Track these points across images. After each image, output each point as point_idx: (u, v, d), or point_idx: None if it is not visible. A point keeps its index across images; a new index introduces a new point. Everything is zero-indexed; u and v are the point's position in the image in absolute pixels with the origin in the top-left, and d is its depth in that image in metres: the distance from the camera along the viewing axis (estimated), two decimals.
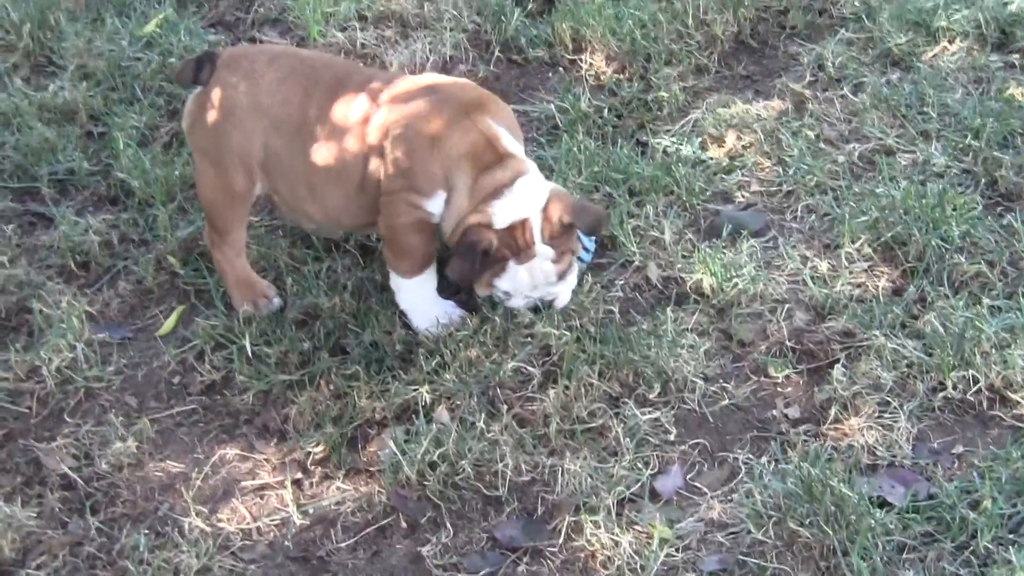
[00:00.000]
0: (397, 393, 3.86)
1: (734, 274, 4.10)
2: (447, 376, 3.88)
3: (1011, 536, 3.37)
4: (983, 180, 4.45)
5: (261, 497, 3.73)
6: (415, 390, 3.85)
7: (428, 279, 4.07)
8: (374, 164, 3.94)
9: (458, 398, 3.84)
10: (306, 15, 5.38)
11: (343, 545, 3.58)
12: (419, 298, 4.08)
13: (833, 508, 3.39)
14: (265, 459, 3.82)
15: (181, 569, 3.50)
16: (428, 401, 3.84)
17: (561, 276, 4.00)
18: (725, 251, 4.22)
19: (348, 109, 4.00)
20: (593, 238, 4.21)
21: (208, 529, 3.61)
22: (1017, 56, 4.97)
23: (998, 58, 4.97)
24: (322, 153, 4.00)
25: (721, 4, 5.21)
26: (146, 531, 3.62)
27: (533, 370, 3.90)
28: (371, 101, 4.00)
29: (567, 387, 3.82)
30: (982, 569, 3.28)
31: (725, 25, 5.17)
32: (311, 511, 3.67)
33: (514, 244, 3.91)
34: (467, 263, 3.89)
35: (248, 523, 3.66)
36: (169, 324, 4.27)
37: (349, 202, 4.05)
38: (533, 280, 3.97)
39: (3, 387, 4.05)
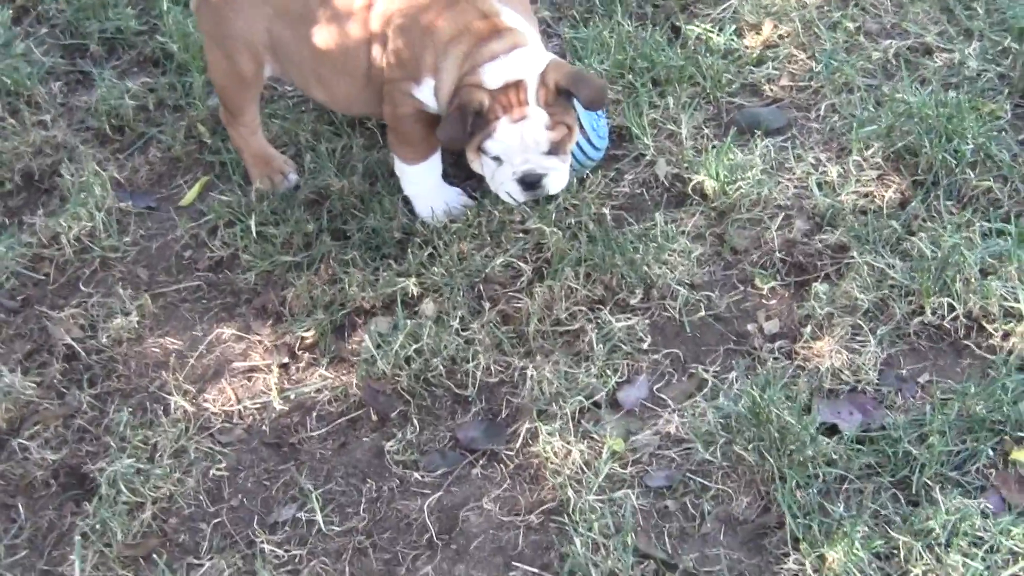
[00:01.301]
0: (387, 283, 3.97)
1: (738, 176, 4.10)
2: (436, 269, 3.98)
3: (953, 474, 3.40)
4: (1020, 87, 4.33)
5: (249, 379, 3.91)
6: (404, 281, 3.95)
7: (432, 167, 4.16)
8: (377, 52, 4.00)
9: (445, 291, 3.94)
10: None
11: (315, 434, 3.75)
12: (422, 185, 4.17)
13: (777, 435, 3.45)
14: (259, 340, 3.99)
15: (158, 448, 3.71)
16: (416, 293, 3.95)
17: (553, 149, 3.95)
18: (736, 150, 4.20)
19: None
20: (605, 135, 4.22)
21: (191, 409, 3.81)
22: None
23: None
24: (327, 41, 4.06)
25: None
26: (132, 408, 3.82)
27: (524, 266, 3.99)
28: None
29: (551, 287, 3.89)
30: (910, 507, 3.33)
31: None
32: (292, 397, 3.84)
33: (507, 103, 3.90)
34: (457, 123, 3.90)
35: (232, 405, 3.84)
36: (191, 195, 4.44)
37: (357, 91, 4.13)
38: (524, 143, 3.91)
39: (25, 252, 4.26)
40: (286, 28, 4.10)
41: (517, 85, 3.87)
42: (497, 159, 3.96)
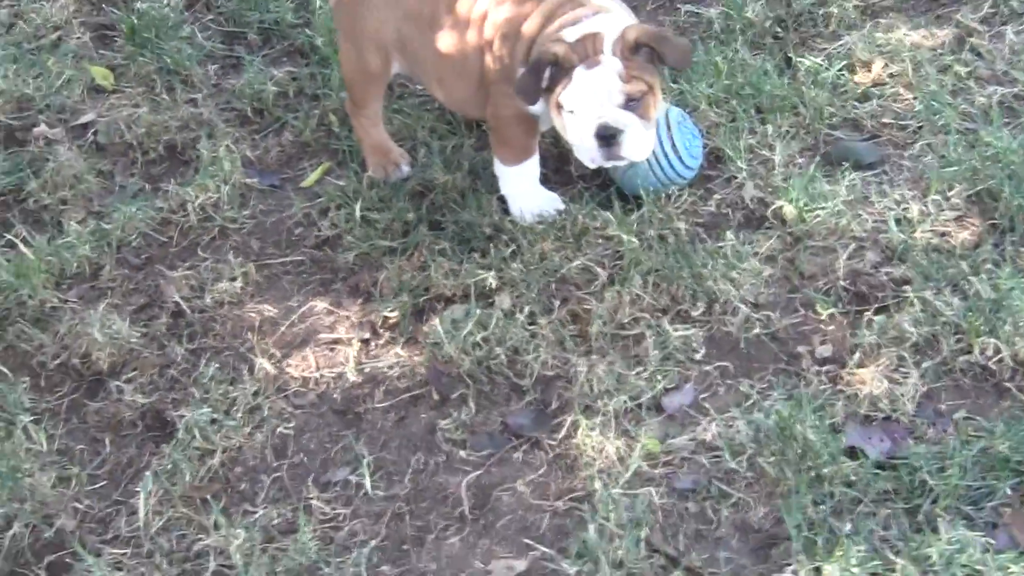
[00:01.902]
0: (468, 274, 4.18)
1: (819, 205, 4.20)
2: (516, 265, 4.17)
3: (967, 508, 3.46)
4: None
5: (331, 350, 4.15)
6: (484, 273, 4.16)
7: (529, 169, 4.34)
8: (488, 58, 4.22)
9: (521, 287, 4.13)
10: None
11: (379, 406, 3.97)
12: (518, 186, 4.36)
13: (799, 451, 3.55)
14: (347, 316, 4.22)
15: (237, 403, 3.97)
16: (494, 286, 4.15)
17: (630, 103, 4.00)
18: (823, 180, 4.29)
19: (472, 4, 4.25)
20: (699, 155, 4.35)
21: (273, 372, 4.06)
22: None
23: None
24: (447, 46, 4.28)
25: None
26: (220, 365, 4.10)
27: (600, 271, 4.15)
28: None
29: (619, 292, 4.05)
30: (913, 533, 3.39)
31: None
32: (366, 370, 4.06)
33: (583, 52, 3.98)
34: (533, 76, 4.00)
35: (310, 372, 4.08)
36: (313, 177, 4.72)
37: (471, 93, 4.34)
38: (597, 92, 3.97)
39: (155, 216, 4.58)
40: (414, 30, 4.33)
41: (594, 36, 3.99)
42: (573, 113, 4.03)
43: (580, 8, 4.08)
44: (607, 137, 4.01)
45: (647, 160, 4.22)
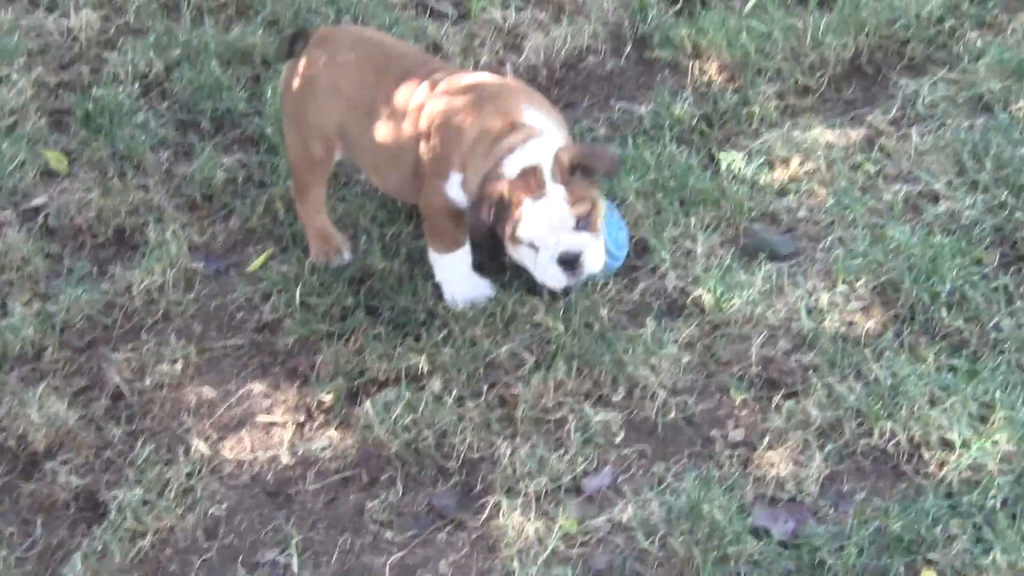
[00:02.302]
0: (402, 357, 4.35)
1: (736, 294, 4.39)
2: (448, 350, 4.35)
3: None
4: (1018, 239, 4.55)
5: (267, 433, 4.30)
6: (417, 358, 4.33)
7: (460, 258, 4.52)
8: (423, 148, 4.40)
9: (452, 371, 4.30)
10: None
11: (311, 488, 4.12)
12: (451, 273, 4.54)
13: (707, 531, 3.73)
14: (283, 399, 4.37)
15: (170, 484, 4.11)
16: (426, 370, 4.32)
17: (581, 224, 4.15)
18: (740, 271, 4.49)
19: (409, 96, 4.44)
20: (624, 245, 4.55)
21: (209, 453, 4.21)
22: None
23: None
24: (384, 135, 4.48)
25: (844, 27, 5.38)
26: (155, 446, 4.24)
27: (527, 356, 4.33)
28: (429, 91, 4.43)
29: (545, 377, 4.23)
30: None
31: (841, 49, 5.34)
32: (299, 452, 4.21)
33: (527, 187, 4.14)
34: (478, 212, 4.18)
35: (246, 454, 4.23)
36: (258, 262, 4.87)
37: (407, 182, 4.53)
38: (550, 221, 4.12)
39: (100, 299, 4.72)
40: (354, 118, 4.52)
41: (534, 169, 4.17)
42: (532, 246, 4.21)
43: (514, 134, 4.24)
44: (570, 261, 4.20)
45: None
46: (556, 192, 4.13)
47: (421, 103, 4.40)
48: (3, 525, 4.06)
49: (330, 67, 4.56)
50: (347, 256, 4.74)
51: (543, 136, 4.23)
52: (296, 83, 4.60)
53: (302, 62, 4.61)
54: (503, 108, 4.29)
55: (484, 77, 4.59)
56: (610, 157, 4.29)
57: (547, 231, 4.15)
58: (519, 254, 4.28)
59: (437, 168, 4.34)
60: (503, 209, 4.17)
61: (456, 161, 4.30)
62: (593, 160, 4.19)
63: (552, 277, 4.24)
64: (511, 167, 4.18)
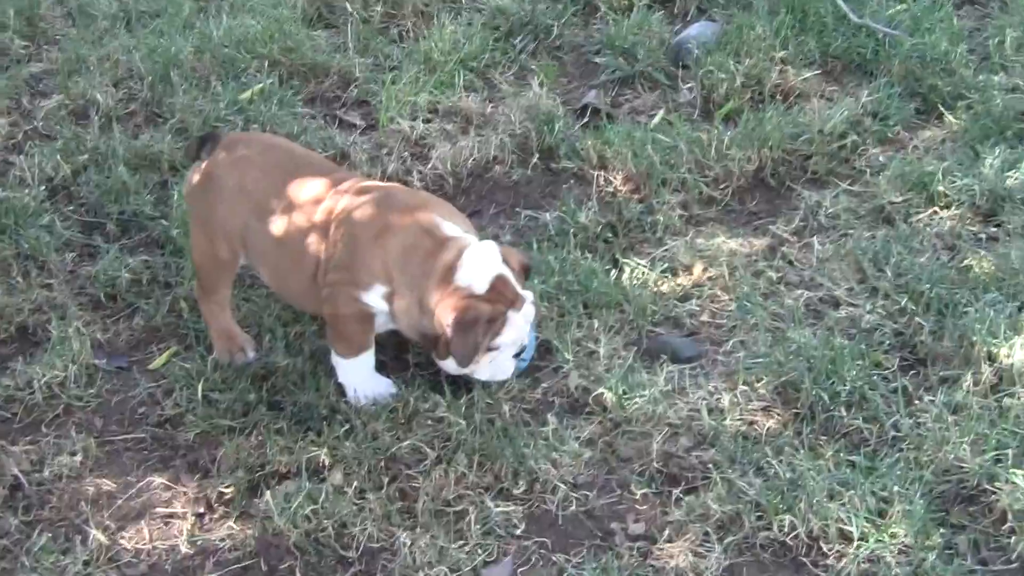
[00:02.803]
0: (303, 451, 4.32)
1: (637, 394, 4.42)
2: (349, 444, 4.33)
3: None
4: (917, 344, 4.63)
5: (166, 524, 4.24)
6: (318, 451, 4.31)
7: (366, 360, 4.52)
8: (327, 254, 4.41)
9: (353, 464, 4.28)
10: (383, 103, 5.92)
11: None
12: (356, 376, 4.53)
13: None
14: (184, 491, 4.33)
15: (66, 571, 4.05)
16: (327, 463, 4.30)
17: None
18: (643, 372, 4.52)
19: (315, 202, 4.48)
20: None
21: (106, 543, 4.14)
22: (997, 229, 5.11)
23: (980, 229, 5.11)
24: (287, 239, 4.49)
25: (749, 140, 5.49)
26: (52, 535, 4.17)
27: (429, 450, 4.32)
28: (337, 197, 4.47)
29: (446, 471, 4.22)
30: None
31: (745, 162, 5.45)
32: (199, 542, 4.16)
33: (504, 298, 4.27)
34: (472, 339, 4.22)
35: (144, 544, 4.17)
36: (161, 360, 4.85)
37: (306, 288, 4.53)
38: (526, 324, 4.33)
39: (1, 393, 4.67)
40: (258, 224, 4.53)
41: (501, 279, 4.27)
42: (500, 349, 4.32)
43: (446, 250, 4.32)
44: (519, 351, 4.39)
45: None
46: (527, 297, 4.30)
47: (329, 209, 4.43)
48: None
49: (239, 172, 4.59)
50: (251, 355, 4.74)
51: (472, 246, 4.30)
52: (203, 186, 4.62)
53: (210, 166, 4.63)
54: (423, 222, 4.36)
55: (392, 187, 4.65)
56: (531, 256, 4.48)
57: (523, 333, 4.33)
58: (483, 357, 4.35)
59: (351, 277, 4.35)
60: (490, 326, 4.25)
61: (379, 273, 4.33)
62: (531, 261, 4.38)
63: (506, 370, 4.44)
64: (471, 282, 4.26)
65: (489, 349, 4.34)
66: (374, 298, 4.37)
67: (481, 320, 4.24)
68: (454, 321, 4.23)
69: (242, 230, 4.56)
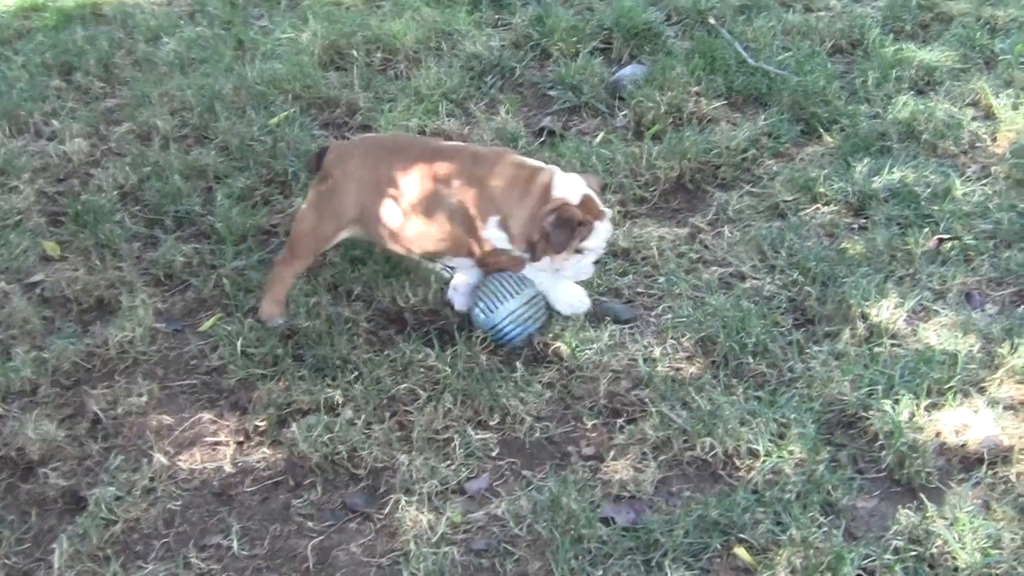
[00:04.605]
0: (321, 392, 4.20)
1: (587, 347, 4.31)
2: (358, 387, 4.20)
3: (688, 559, 3.52)
4: (806, 307, 4.54)
5: (214, 449, 4.11)
6: (332, 392, 4.18)
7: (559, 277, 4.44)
8: (456, 211, 4.29)
9: (361, 403, 4.16)
10: (382, 127, 5.80)
11: (248, 490, 3.93)
12: (550, 279, 4.42)
13: (566, 518, 3.59)
14: (227, 424, 4.20)
15: (137, 485, 3.91)
16: (340, 401, 4.17)
17: None
18: (592, 329, 4.42)
19: (436, 171, 4.31)
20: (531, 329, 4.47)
21: (167, 463, 4.01)
22: (866, 220, 5.04)
23: (852, 220, 5.05)
24: (411, 208, 4.34)
25: (671, 154, 5.40)
26: (125, 458, 4.04)
27: (422, 392, 4.20)
28: (450, 162, 4.31)
29: (435, 407, 4.10)
30: None
31: (669, 170, 5.36)
32: (239, 464, 4.03)
33: (592, 211, 4.22)
34: (566, 232, 4.17)
35: (197, 464, 4.04)
36: (208, 323, 4.71)
37: (437, 240, 4.38)
38: (607, 233, 4.30)
39: (83, 350, 4.53)
40: (374, 199, 4.36)
41: (589, 198, 4.21)
42: (579, 252, 4.25)
43: (539, 175, 4.25)
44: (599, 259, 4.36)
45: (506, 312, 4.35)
46: (608, 212, 4.27)
47: (448, 172, 4.29)
48: (6, 515, 3.85)
49: (343, 165, 4.42)
50: (280, 320, 4.58)
51: (557, 173, 4.24)
52: (321, 179, 4.47)
53: (326, 165, 4.46)
54: (512, 160, 4.30)
55: (474, 147, 4.58)
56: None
57: (604, 240, 4.29)
58: (564, 260, 4.27)
59: (476, 220, 4.25)
60: (580, 228, 4.17)
61: (491, 207, 4.23)
62: (604, 182, 4.34)
63: (587, 272, 4.38)
64: (569, 195, 4.20)
65: (577, 251, 4.22)
66: (492, 231, 4.26)
67: (575, 221, 4.14)
68: (556, 216, 4.15)
69: (355, 211, 4.39)
